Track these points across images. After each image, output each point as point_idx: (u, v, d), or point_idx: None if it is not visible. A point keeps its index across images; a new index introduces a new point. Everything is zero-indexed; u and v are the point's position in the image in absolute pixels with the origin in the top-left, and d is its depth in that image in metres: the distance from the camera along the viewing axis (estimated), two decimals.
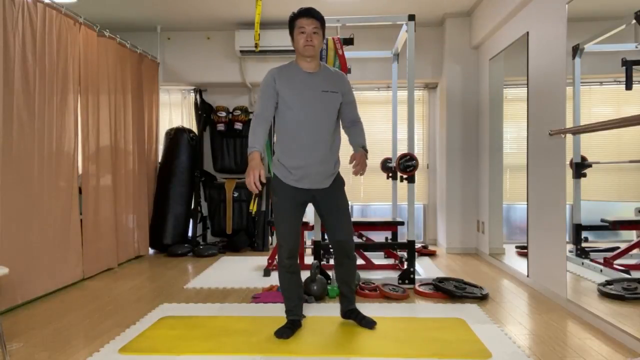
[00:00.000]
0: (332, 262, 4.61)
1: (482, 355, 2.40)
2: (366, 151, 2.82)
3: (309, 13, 2.64)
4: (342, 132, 2.90)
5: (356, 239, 4.99)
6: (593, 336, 2.71)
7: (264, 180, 2.53)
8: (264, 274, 4.25)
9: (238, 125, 5.81)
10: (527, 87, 3.89)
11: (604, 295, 2.85)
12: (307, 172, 2.66)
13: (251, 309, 3.22)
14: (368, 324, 2.79)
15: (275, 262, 4.51)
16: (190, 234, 5.73)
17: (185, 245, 5.38)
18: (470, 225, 5.39)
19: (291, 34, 2.70)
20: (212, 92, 6.12)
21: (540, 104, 3.66)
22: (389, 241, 4.81)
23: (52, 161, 3.73)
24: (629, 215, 2.73)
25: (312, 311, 3.14)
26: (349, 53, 4.42)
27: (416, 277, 3.89)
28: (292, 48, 5.61)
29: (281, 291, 2.80)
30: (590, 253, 3.04)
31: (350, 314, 2.87)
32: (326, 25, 3.93)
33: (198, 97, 6.02)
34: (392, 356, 2.41)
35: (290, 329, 2.70)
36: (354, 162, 2.75)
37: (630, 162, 2.66)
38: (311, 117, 2.63)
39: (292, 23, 2.68)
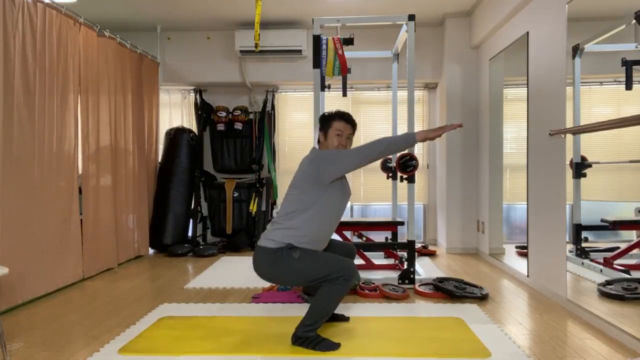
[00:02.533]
0: None
1: (481, 355, 2.40)
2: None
3: (349, 120, 2.74)
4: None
5: (356, 239, 4.99)
6: (593, 336, 2.71)
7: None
8: None
9: (238, 125, 5.80)
10: (527, 87, 3.89)
11: (604, 295, 2.85)
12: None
13: (251, 309, 3.22)
14: (344, 318, 2.94)
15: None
16: (190, 234, 5.73)
17: (185, 245, 5.38)
18: (470, 225, 5.39)
19: (324, 129, 2.75)
20: (212, 92, 6.12)
21: (540, 104, 3.66)
22: (389, 241, 4.80)
23: (52, 161, 3.73)
24: (629, 215, 2.73)
25: None
26: (349, 53, 4.42)
27: (416, 277, 3.89)
28: (291, 48, 5.66)
29: (331, 309, 2.54)
30: (590, 253, 3.04)
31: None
32: (326, 25, 3.97)
33: (198, 97, 6.02)
34: (392, 356, 2.41)
35: (327, 339, 2.56)
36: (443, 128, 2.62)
37: (630, 162, 2.67)
38: (342, 206, 2.72)
39: (328, 121, 2.74)
